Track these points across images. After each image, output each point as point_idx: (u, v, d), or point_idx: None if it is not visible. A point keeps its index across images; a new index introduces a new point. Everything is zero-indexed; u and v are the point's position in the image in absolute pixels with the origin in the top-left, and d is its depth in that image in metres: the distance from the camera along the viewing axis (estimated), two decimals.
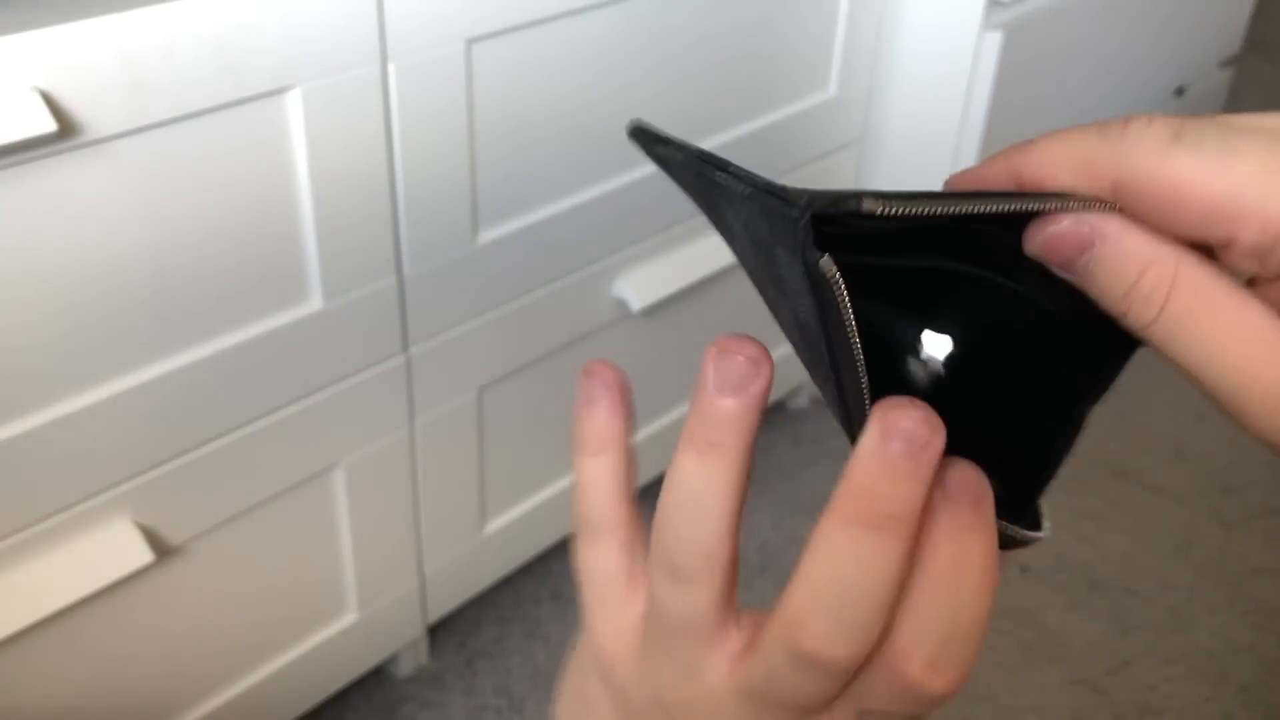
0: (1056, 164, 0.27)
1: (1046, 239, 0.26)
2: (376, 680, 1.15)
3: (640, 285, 1.09)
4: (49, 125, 0.64)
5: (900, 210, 0.24)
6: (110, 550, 0.79)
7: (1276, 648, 1.23)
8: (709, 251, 1.15)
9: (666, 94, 1.03)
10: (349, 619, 1.03)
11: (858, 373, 0.26)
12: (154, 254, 0.74)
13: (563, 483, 1.17)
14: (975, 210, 0.25)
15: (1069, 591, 1.29)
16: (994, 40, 1.18)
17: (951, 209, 0.25)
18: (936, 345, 0.31)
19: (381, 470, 0.97)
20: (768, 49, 1.11)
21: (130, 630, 0.85)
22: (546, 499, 1.16)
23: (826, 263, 0.25)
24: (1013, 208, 0.26)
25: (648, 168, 1.05)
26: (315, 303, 0.85)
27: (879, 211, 0.24)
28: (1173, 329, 0.25)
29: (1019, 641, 1.23)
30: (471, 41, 0.85)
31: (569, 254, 1.02)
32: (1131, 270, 0.26)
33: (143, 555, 0.80)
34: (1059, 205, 0.26)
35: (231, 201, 0.77)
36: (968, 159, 1.25)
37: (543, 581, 1.26)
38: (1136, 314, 0.26)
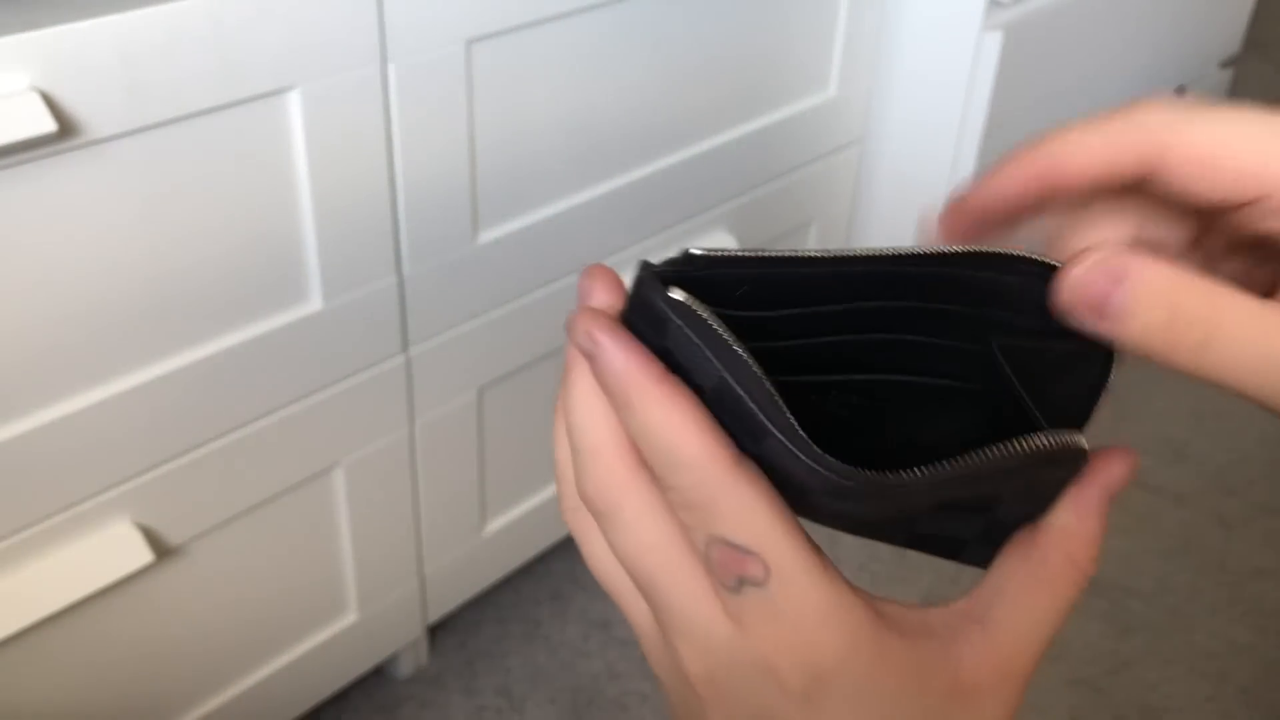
0: (1079, 152, 0.27)
1: (1072, 285, 0.24)
2: (376, 680, 1.15)
3: None
4: (49, 125, 0.64)
5: (725, 253, 0.27)
6: (110, 550, 0.79)
7: (1276, 648, 1.23)
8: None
9: (666, 94, 1.03)
10: (349, 619, 1.03)
11: (763, 384, 0.25)
12: (153, 254, 0.74)
13: None
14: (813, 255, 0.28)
15: None
16: (994, 40, 1.18)
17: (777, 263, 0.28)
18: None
19: (381, 470, 0.97)
20: (768, 49, 1.11)
21: (130, 630, 0.85)
22: (547, 499, 1.16)
23: (675, 291, 0.25)
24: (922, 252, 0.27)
25: (647, 167, 1.05)
26: (315, 303, 0.85)
27: (700, 253, 0.27)
28: (1223, 354, 0.24)
29: None
30: (471, 41, 0.85)
31: (569, 254, 1.02)
32: (1166, 296, 0.24)
33: (143, 555, 0.80)
34: (1025, 256, 0.26)
35: (231, 202, 0.77)
36: (968, 159, 1.25)
37: (543, 581, 1.26)
38: (1183, 348, 0.24)
